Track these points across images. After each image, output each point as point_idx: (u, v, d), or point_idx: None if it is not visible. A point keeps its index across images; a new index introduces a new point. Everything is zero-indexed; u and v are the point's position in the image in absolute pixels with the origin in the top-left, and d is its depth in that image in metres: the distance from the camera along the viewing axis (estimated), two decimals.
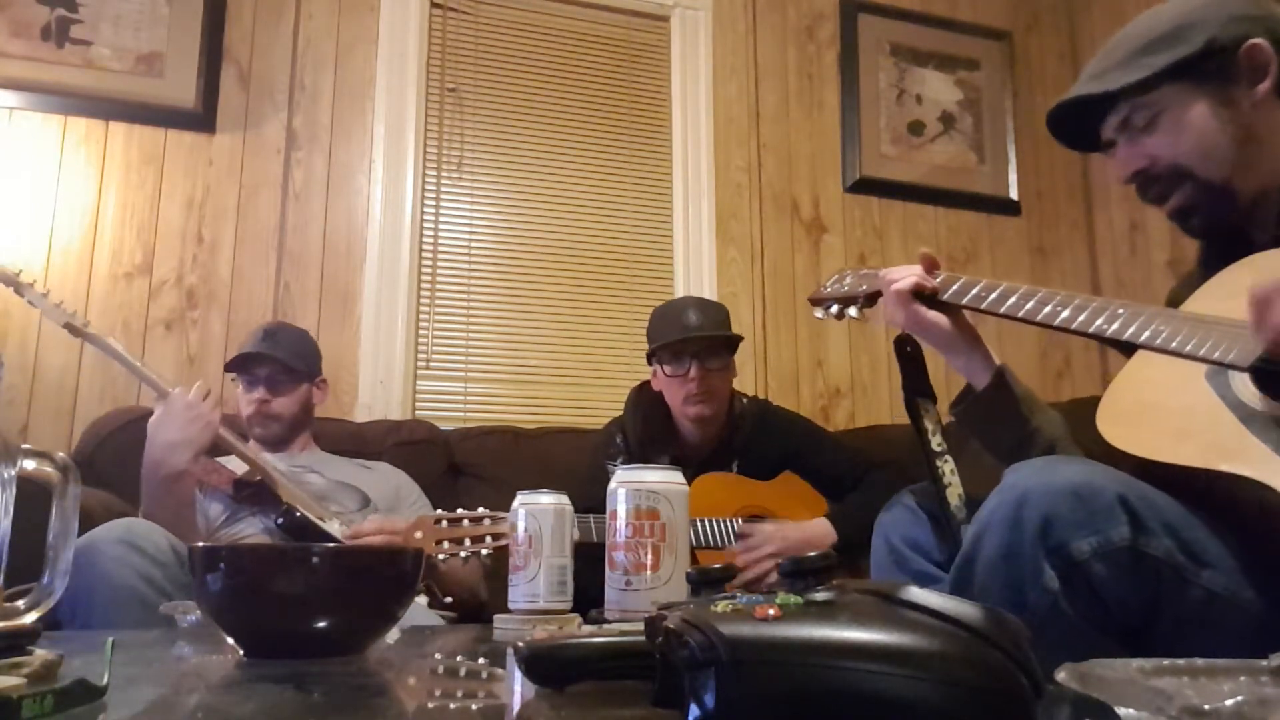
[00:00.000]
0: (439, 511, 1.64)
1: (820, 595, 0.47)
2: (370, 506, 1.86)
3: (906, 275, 1.18)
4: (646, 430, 1.93)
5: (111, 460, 1.97)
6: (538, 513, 1.13)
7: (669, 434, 1.93)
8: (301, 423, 1.97)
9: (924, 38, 3.08)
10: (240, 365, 1.90)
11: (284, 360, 1.89)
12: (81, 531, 0.72)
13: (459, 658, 0.94)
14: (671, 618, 0.47)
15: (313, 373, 1.99)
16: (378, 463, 2.05)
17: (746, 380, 2.68)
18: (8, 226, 2.23)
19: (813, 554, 0.50)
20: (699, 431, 1.92)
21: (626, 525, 0.98)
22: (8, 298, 2.18)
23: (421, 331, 2.50)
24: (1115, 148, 1.11)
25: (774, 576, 1.77)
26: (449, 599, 1.74)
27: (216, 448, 1.70)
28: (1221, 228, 1.08)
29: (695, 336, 1.85)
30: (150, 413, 1.65)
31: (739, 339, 1.92)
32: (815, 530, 1.80)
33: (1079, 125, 1.14)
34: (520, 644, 0.58)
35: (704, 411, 1.88)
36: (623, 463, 1.86)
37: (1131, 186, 1.12)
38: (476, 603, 1.79)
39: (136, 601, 1.35)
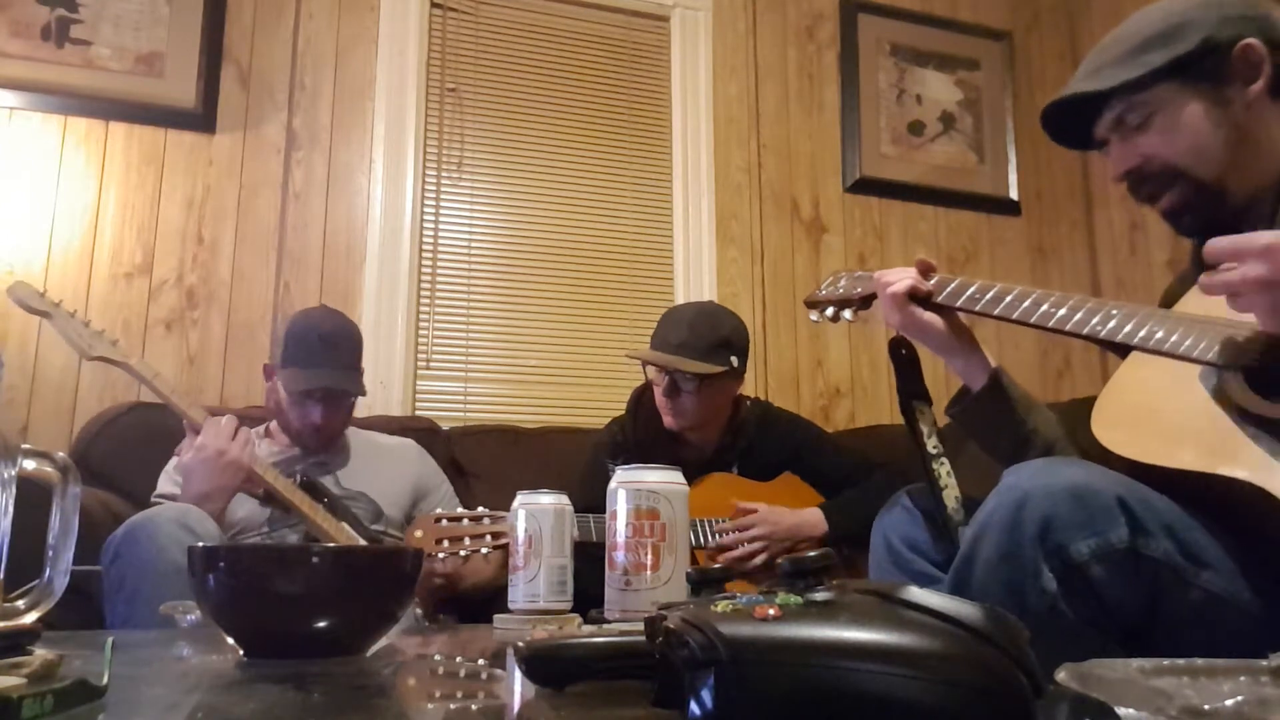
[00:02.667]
0: (438, 511, 1.65)
1: (820, 595, 0.47)
2: (382, 520, 1.82)
3: (901, 278, 1.18)
4: (647, 431, 1.93)
5: (107, 457, 1.97)
6: (538, 513, 1.13)
7: (669, 435, 1.93)
8: (345, 426, 1.90)
9: (924, 38, 3.08)
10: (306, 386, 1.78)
11: (349, 388, 1.80)
12: (82, 532, 0.72)
13: (459, 658, 0.94)
14: (671, 618, 0.47)
15: (361, 378, 1.87)
16: (403, 441, 1.99)
17: (746, 380, 2.67)
18: (8, 226, 2.23)
19: (812, 554, 0.50)
20: (695, 435, 1.92)
21: (626, 525, 0.98)
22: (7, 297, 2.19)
23: (421, 331, 2.50)
24: (1109, 146, 1.11)
25: (760, 559, 1.79)
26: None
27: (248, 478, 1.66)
28: (1214, 227, 1.08)
29: (652, 356, 1.84)
30: (141, 409, 1.64)
31: (707, 373, 1.80)
32: (806, 518, 1.81)
33: (1074, 123, 1.14)
34: (520, 644, 0.59)
35: (670, 423, 1.88)
36: (623, 463, 1.85)
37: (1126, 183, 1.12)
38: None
39: (185, 578, 1.38)
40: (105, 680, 0.54)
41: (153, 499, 1.76)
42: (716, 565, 1.63)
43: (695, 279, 2.72)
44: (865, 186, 2.94)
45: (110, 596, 1.45)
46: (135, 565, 1.41)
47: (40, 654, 0.61)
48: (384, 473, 1.90)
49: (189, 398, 1.74)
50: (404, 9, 2.60)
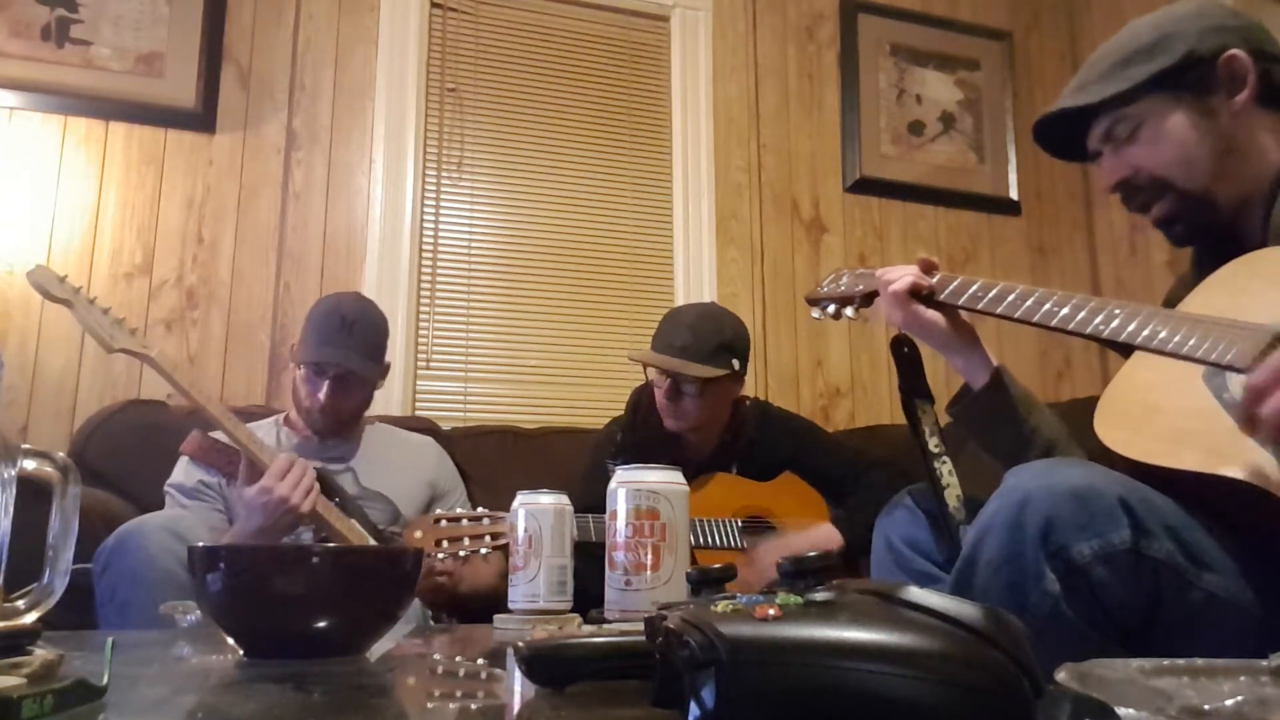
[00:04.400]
0: (438, 511, 1.65)
1: (820, 595, 0.47)
2: (400, 522, 1.81)
3: (903, 275, 1.18)
4: (646, 431, 1.93)
5: (105, 456, 1.97)
6: (538, 513, 1.13)
7: (668, 435, 1.92)
8: (357, 416, 1.90)
9: (924, 38, 3.08)
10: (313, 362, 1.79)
11: (357, 370, 1.78)
12: (82, 532, 0.72)
13: (459, 658, 0.94)
14: (671, 618, 0.47)
15: (383, 369, 1.88)
16: (424, 439, 2.01)
17: (746, 380, 2.67)
18: (8, 226, 2.23)
19: (812, 554, 0.50)
20: (695, 436, 1.92)
21: (626, 525, 0.98)
22: (8, 296, 2.19)
23: (421, 331, 2.50)
24: (1101, 158, 1.12)
25: None
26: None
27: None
28: (1205, 235, 1.09)
29: (655, 359, 1.82)
30: (138, 405, 1.61)
31: (710, 376, 1.80)
32: (820, 536, 1.80)
33: (1066, 136, 1.15)
34: (520, 644, 0.59)
35: (671, 425, 1.88)
36: (622, 463, 1.85)
37: (1119, 194, 1.13)
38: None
39: (175, 585, 1.40)
40: (105, 680, 0.54)
41: (166, 487, 1.77)
42: (718, 566, 1.63)
43: (695, 279, 2.72)
44: (865, 186, 2.93)
45: (103, 606, 1.44)
46: (126, 575, 1.41)
47: (40, 654, 0.61)
48: (402, 470, 1.90)
49: (203, 392, 1.70)
50: (404, 9, 2.60)
